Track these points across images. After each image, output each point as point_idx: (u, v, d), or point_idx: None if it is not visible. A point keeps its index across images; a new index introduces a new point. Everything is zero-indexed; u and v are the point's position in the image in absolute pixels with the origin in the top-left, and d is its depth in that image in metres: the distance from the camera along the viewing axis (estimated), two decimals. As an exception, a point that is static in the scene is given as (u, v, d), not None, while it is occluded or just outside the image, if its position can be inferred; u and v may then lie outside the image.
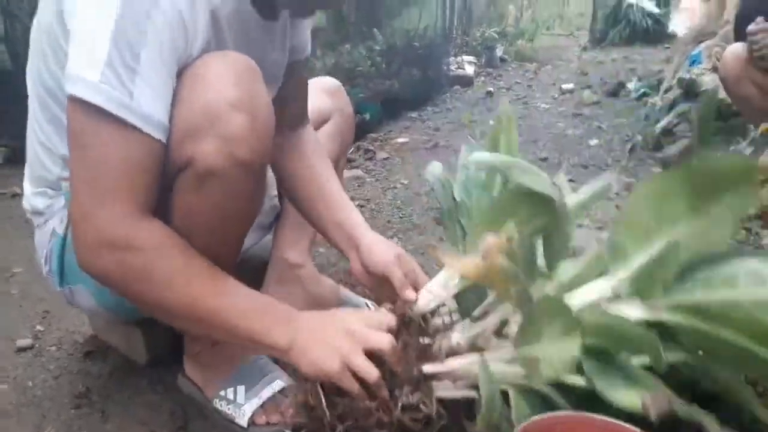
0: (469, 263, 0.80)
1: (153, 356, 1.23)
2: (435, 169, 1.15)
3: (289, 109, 1.17)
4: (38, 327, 1.42)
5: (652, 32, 7.87)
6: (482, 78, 5.67)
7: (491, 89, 4.89)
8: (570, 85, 4.88)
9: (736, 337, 0.70)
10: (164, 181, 0.85)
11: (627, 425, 0.75)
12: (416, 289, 0.99)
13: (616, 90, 4.49)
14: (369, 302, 1.40)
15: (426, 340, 0.91)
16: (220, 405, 1.08)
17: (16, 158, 2.71)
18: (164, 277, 0.81)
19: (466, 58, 5.86)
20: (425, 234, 1.99)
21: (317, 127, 1.32)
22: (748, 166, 0.69)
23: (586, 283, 0.88)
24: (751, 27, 2.00)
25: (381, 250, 1.04)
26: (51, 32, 0.89)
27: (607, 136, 3.28)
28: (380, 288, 1.05)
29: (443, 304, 0.96)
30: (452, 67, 5.37)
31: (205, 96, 0.81)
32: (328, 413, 0.84)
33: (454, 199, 1.09)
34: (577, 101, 4.33)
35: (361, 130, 3.25)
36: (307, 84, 1.23)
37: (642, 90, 4.12)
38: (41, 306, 1.51)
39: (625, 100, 4.24)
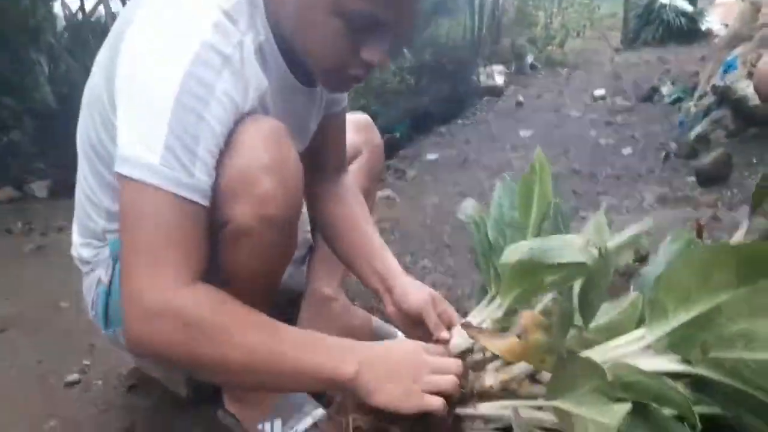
0: (506, 345, 0.82)
1: (193, 389, 1.27)
2: (468, 208, 1.16)
3: (327, 158, 1.23)
4: (85, 361, 1.47)
5: (686, 30, 7.74)
6: (512, 87, 5.66)
7: (521, 99, 4.87)
8: (602, 91, 4.83)
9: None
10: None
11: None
12: (449, 329, 1.02)
13: (650, 95, 4.43)
14: (400, 331, 1.42)
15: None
16: (258, 438, 1.12)
17: (60, 192, 2.82)
18: (223, 334, 0.81)
19: (495, 67, 5.86)
20: (455, 255, 2.00)
21: (348, 162, 1.36)
22: None
23: (621, 334, 0.91)
24: None
25: (415, 292, 1.08)
26: (100, 100, 0.94)
27: (640, 144, 3.24)
28: (414, 329, 1.08)
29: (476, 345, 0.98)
30: (482, 78, 5.38)
31: (238, 162, 0.86)
32: None
33: (488, 239, 1.11)
34: (610, 108, 4.29)
35: (391, 148, 3.29)
36: (344, 133, 1.28)
37: (676, 95, 4.06)
38: (87, 339, 1.56)
39: (659, 106, 4.17)
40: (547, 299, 0.88)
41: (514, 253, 0.90)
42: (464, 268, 1.89)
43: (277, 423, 1.12)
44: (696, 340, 0.77)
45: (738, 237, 1.03)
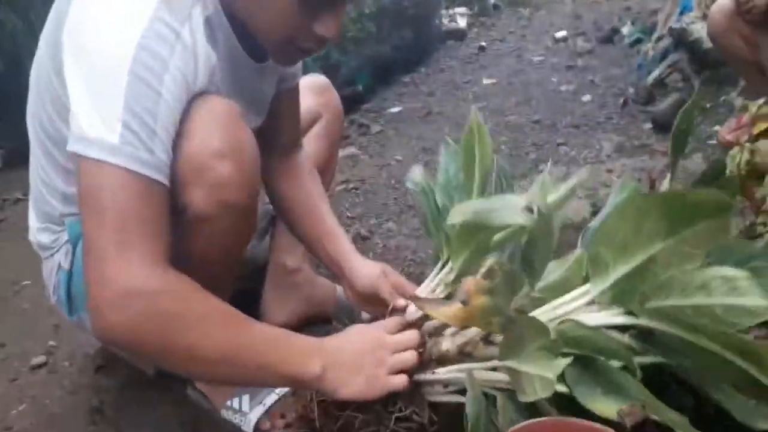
0: (450, 311, 0.84)
1: (160, 368, 1.29)
2: (416, 176, 1.18)
3: (280, 135, 1.22)
4: (51, 342, 1.47)
5: (649, -35, 7.66)
6: (475, 29, 5.57)
7: (484, 44, 4.81)
8: (563, 33, 4.79)
9: (708, 342, 0.75)
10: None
11: (606, 428, 0.81)
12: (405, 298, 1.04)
13: (610, 36, 4.40)
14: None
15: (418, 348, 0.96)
16: (227, 414, 1.15)
17: (15, 162, 2.72)
18: (193, 324, 0.80)
19: (458, 10, 5.74)
20: (420, 216, 2.01)
21: (307, 127, 1.35)
22: (724, 203, 0.73)
23: (568, 291, 0.94)
24: None
25: (366, 269, 1.10)
26: (50, 84, 0.91)
27: (600, 90, 3.25)
28: (372, 306, 1.11)
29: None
30: (444, 21, 5.28)
31: (193, 147, 0.85)
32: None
33: (437, 206, 1.12)
34: (571, 50, 4.27)
35: (354, 102, 3.25)
36: (298, 109, 1.25)
37: (636, 35, 4.05)
38: (52, 320, 1.56)
39: (619, 47, 4.17)
40: (490, 262, 0.90)
41: (457, 214, 0.91)
42: (427, 229, 1.92)
43: (245, 398, 1.15)
44: (636, 292, 0.80)
45: (664, 185, 1.06)
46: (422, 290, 1.06)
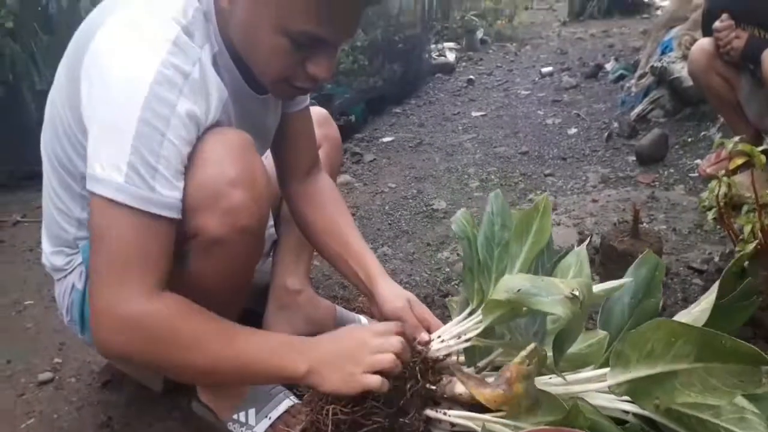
0: (491, 395, 0.90)
1: (167, 384, 1.33)
2: (461, 221, 1.21)
3: (298, 157, 1.28)
4: (56, 359, 1.51)
5: (631, 2, 7.96)
6: (464, 63, 5.74)
7: (472, 77, 4.96)
8: (549, 68, 4.96)
9: None
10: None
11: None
12: (429, 332, 1.10)
13: (595, 72, 4.58)
14: (363, 318, 1.51)
15: (431, 386, 1.03)
16: (233, 427, 1.19)
17: (12, 184, 2.75)
18: (187, 339, 0.89)
19: (447, 44, 5.92)
20: (413, 241, 2.09)
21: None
22: (759, 357, 0.79)
23: (585, 366, 1.03)
24: (716, 24, 2.10)
25: (392, 297, 1.15)
26: (64, 116, 0.98)
27: (585, 124, 3.38)
28: None
29: (452, 354, 1.07)
30: (434, 55, 5.43)
31: (206, 175, 0.91)
32: None
33: (479, 255, 1.17)
34: (557, 86, 4.42)
35: (347, 132, 3.33)
36: (311, 130, 1.31)
37: (619, 72, 4.22)
38: (57, 337, 1.60)
39: (603, 83, 4.33)
40: (530, 347, 0.93)
41: (502, 292, 0.96)
42: (422, 255, 1.98)
43: (251, 412, 1.19)
44: (651, 393, 0.89)
45: (701, 306, 1.08)
46: (446, 330, 1.11)
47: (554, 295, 0.89)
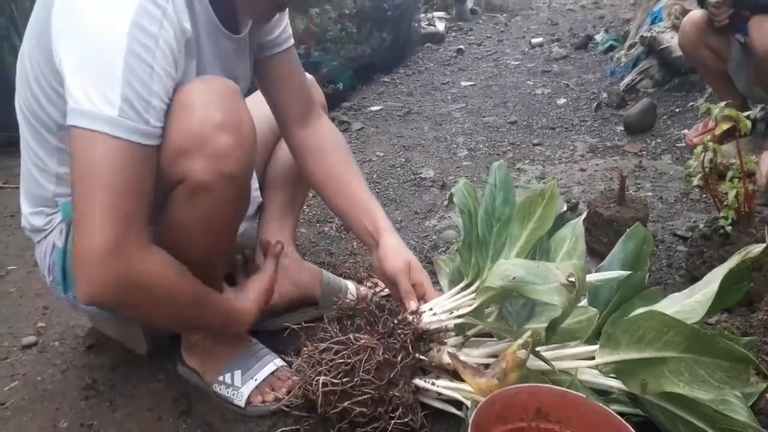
0: (485, 385, 0.91)
1: (152, 347, 1.33)
2: (462, 193, 1.20)
3: (291, 99, 1.26)
4: (40, 323, 1.50)
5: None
6: (453, 33, 5.68)
7: (462, 47, 4.91)
8: (539, 39, 4.92)
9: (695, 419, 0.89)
10: (157, 197, 0.95)
11: (575, 393, 0.88)
12: (423, 300, 1.11)
13: (585, 42, 4.55)
14: (350, 283, 1.51)
15: (421, 356, 1.04)
16: (219, 389, 1.19)
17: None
18: (170, 300, 0.95)
19: (436, 14, 5.85)
20: (401, 209, 2.08)
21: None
22: (746, 358, 0.81)
23: (572, 341, 1.04)
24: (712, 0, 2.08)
25: (393, 257, 1.15)
26: (38, 71, 0.96)
27: (574, 94, 3.36)
28: (394, 288, 1.17)
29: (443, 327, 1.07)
30: (423, 25, 5.37)
31: (193, 121, 0.91)
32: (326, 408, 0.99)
33: (477, 231, 1.17)
34: (547, 56, 4.39)
35: (335, 99, 3.30)
36: (300, 71, 1.29)
37: (609, 43, 4.19)
38: (40, 302, 1.59)
39: (593, 54, 4.30)
40: (527, 335, 0.93)
41: (498, 278, 0.97)
42: (410, 223, 1.98)
43: (237, 373, 1.19)
44: (639, 375, 0.91)
45: (699, 298, 1.07)
46: (438, 303, 1.12)
47: (550, 283, 0.90)
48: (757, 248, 0.93)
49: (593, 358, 0.99)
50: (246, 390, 1.16)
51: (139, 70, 0.85)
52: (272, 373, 1.19)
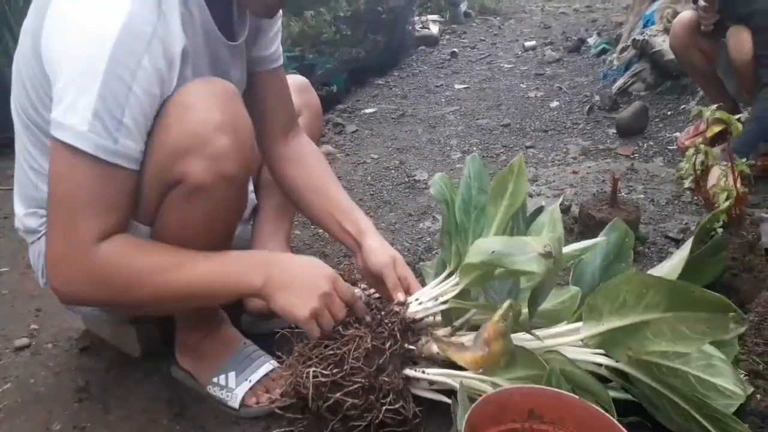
0: (471, 358, 0.94)
1: (145, 349, 1.33)
2: (439, 185, 1.22)
3: (276, 117, 1.27)
4: (33, 325, 1.49)
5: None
6: (447, 36, 5.69)
7: (456, 50, 4.92)
8: (532, 42, 4.95)
9: (677, 397, 0.90)
10: (156, 198, 0.98)
11: (569, 394, 0.89)
12: (408, 293, 1.12)
13: (578, 46, 4.57)
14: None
15: (410, 346, 1.04)
16: (213, 390, 1.19)
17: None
18: (138, 279, 0.94)
19: (430, 17, 5.87)
20: (395, 211, 2.09)
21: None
22: (725, 305, 0.83)
23: (559, 322, 1.06)
24: (701, 2, 2.10)
25: (378, 253, 1.17)
26: (32, 74, 0.97)
27: (567, 97, 3.38)
28: (380, 286, 1.18)
29: (430, 316, 1.08)
30: (417, 27, 5.38)
31: (192, 121, 0.92)
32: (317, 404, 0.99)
33: (456, 219, 1.18)
34: (540, 59, 4.41)
35: (329, 102, 3.31)
36: (288, 89, 1.31)
37: (601, 46, 4.22)
38: (33, 304, 1.58)
39: (585, 57, 4.33)
40: (506, 305, 0.96)
41: (476, 254, 0.98)
42: (404, 225, 1.98)
43: (231, 375, 1.19)
44: (623, 344, 0.93)
45: (673, 262, 1.12)
46: (424, 293, 1.13)
47: (527, 253, 0.91)
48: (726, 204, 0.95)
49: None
50: (240, 391, 1.16)
51: (116, 90, 0.86)
52: (266, 375, 1.19)
